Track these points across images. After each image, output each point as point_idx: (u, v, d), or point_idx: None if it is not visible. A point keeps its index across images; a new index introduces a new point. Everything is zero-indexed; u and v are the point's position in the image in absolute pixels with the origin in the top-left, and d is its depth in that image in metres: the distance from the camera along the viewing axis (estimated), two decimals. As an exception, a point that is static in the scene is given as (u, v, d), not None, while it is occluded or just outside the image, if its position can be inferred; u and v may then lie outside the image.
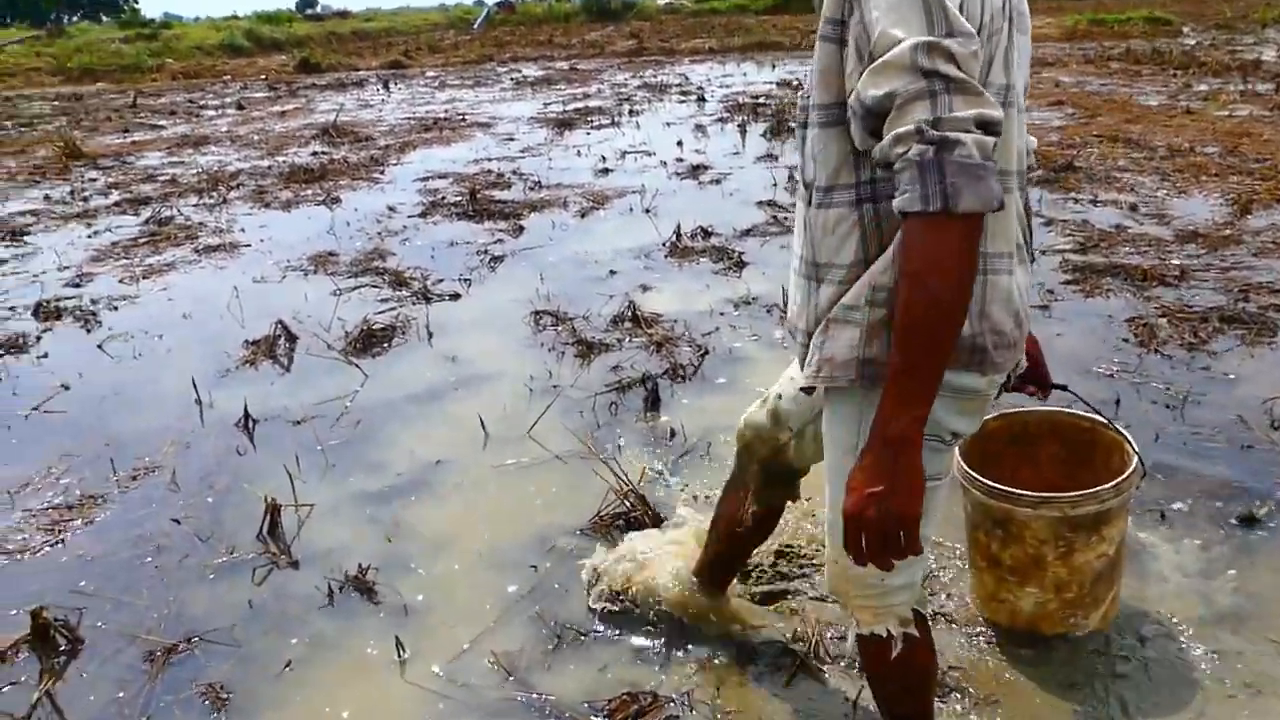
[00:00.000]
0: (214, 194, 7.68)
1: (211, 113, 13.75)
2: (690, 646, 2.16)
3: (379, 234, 6.15)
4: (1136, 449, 2.01)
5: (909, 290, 1.14)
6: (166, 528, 2.79)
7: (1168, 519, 2.61)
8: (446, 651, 2.21)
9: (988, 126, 1.12)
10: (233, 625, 2.32)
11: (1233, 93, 10.56)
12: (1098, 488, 1.94)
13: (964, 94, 1.11)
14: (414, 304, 4.76)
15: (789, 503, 1.99)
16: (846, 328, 1.32)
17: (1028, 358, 1.66)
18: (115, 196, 7.78)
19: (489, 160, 8.61)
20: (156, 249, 6.10)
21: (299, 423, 3.48)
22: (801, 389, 1.65)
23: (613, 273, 5.08)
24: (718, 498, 2.13)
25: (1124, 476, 1.95)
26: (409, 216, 6.60)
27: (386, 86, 16.07)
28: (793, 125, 9.71)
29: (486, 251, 5.61)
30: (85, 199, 7.77)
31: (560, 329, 4.28)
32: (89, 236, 6.50)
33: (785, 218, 6.02)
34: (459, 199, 7.00)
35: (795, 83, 12.98)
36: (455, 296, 4.85)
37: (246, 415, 3.47)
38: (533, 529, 2.72)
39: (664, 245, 5.50)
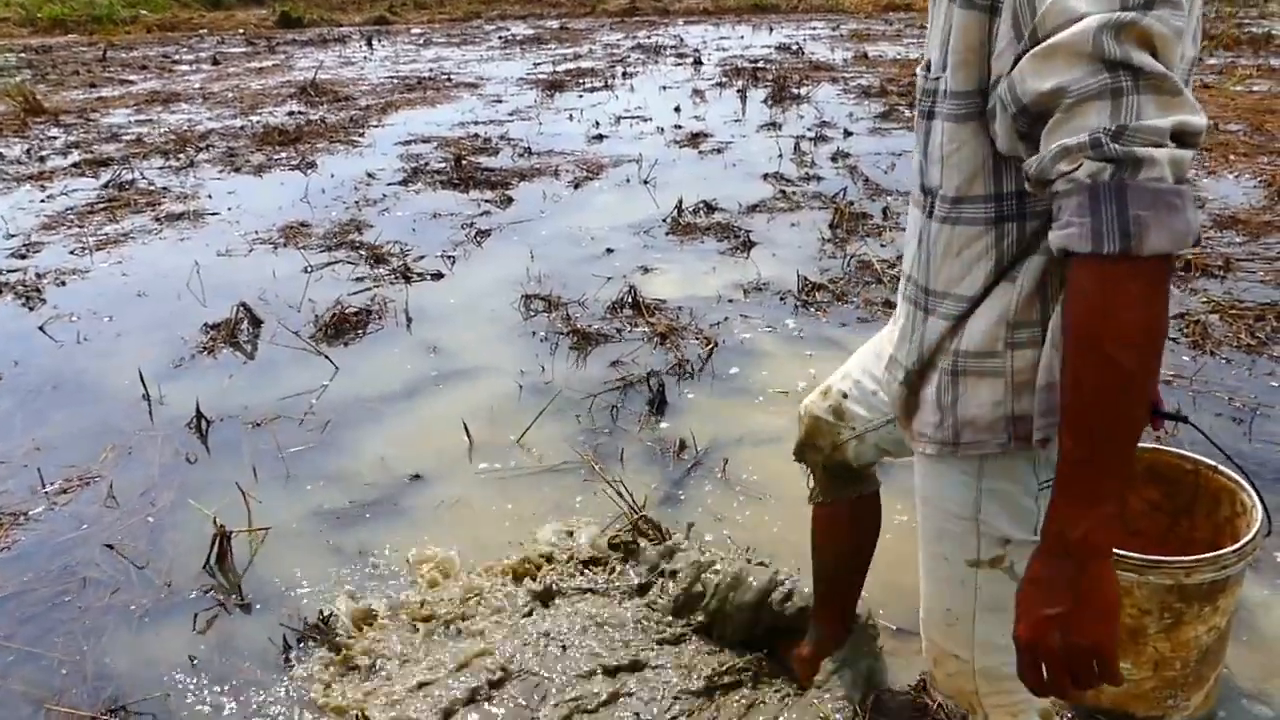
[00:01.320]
0: (181, 156, 7.20)
1: (185, 68, 13.14)
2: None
3: (356, 203, 5.71)
4: (1260, 497, 1.65)
5: (1079, 358, 0.89)
6: (97, 555, 2.40)
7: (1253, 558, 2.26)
8: (420, 725, 1.85)
9: (1187, 138, 0.85)
10: (167, 693, 1.94)
11: (1248, 67, 10.17)
12: (1219, 551, 1.59)
13: (1159, 93, 0.85)
14: (392, 284, 4.34)
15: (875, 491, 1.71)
16: (985, 380, 1.08)
17: None
18: (75, 157, 7.27)
19: (475, 124, 8.13)
20: (114, 216, 5.64)
21: (258, 425, 3.08)
22: (914, 445, 1.26)
23: (609, 251, 4.67)
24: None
25: (1250, 537, 1.61)
26: (389, 184, 6.16)
27: (370, 43, 15.44)
28: (798, 93, 9.36)
29: (472, 225, 5.19)
30: (42, 159, 7.26)
31: (553, 316, 3.89)
32: (42, 201, 6.02)
33: (793, 192, 5.62)
34: (443, 166, 6.55)
35: (795, 48, 12.48)
36: (438, 276, 4.44)
37: (199, 415, 3.07)
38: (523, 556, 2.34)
39: (664, 221, 5.10)
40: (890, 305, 3.90)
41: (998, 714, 1.29)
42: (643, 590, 2.13)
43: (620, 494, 2.41)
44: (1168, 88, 0.85)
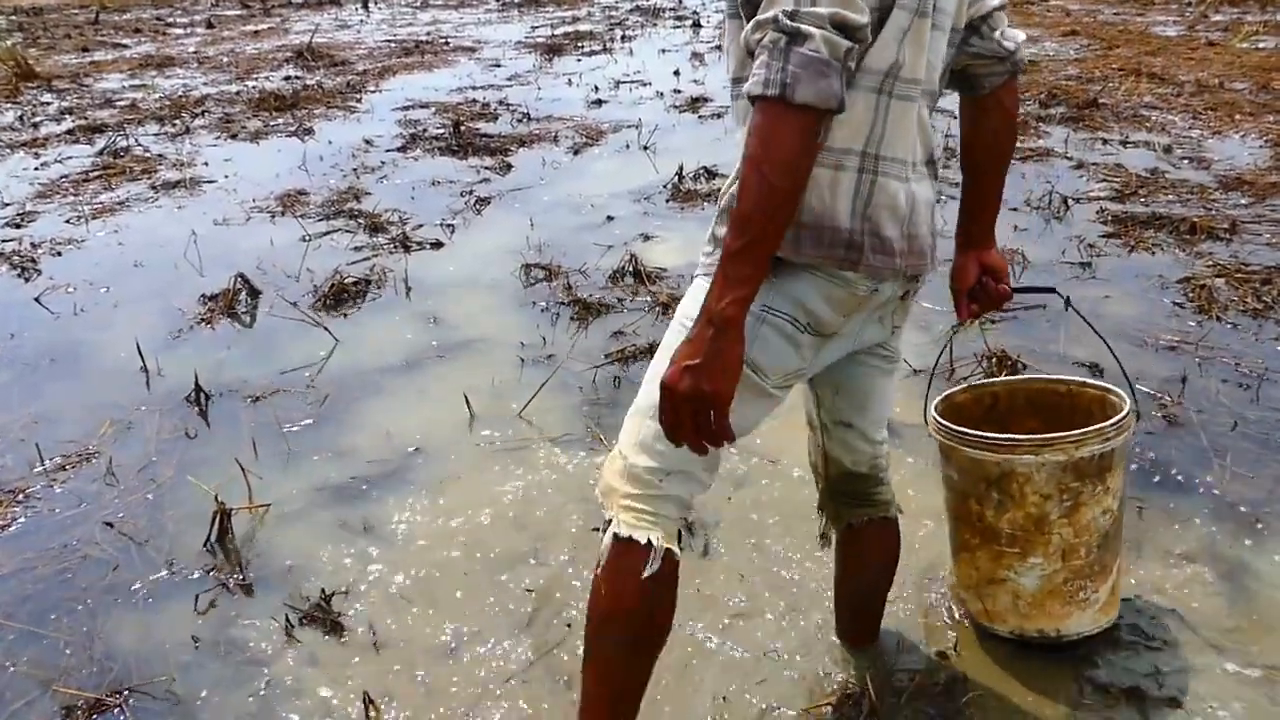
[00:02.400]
0: (176, 122, 7.11)
1: (179, 31, 12.96)
2: None
3: (354, 170, 5.64)
4: (1128, 378, 1.89)
5: (745, 174, 1.17)
6: (97, 533, 2.38)
7: (1262, 525, 2.25)
8: (425, 710, 1.84)
9: (845, 28, 1.15)
10: (172, 677, 1.92)
11: (1254, 24, 10.01)
12: (1100, 425, 1.72)
13: None
14: (391, 253, 4.29)
15: (885, 516, 1.75)
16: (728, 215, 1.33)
17: (988, 271, 1.72)
18: (68, 123, 7.19)
19: (474, 89, 8.02)
20: (109, 184, 5.57)
21: (258, 399, 3.05)
22: None
23: (610, 218, 4.62)
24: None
25: (1124, 413, 1.76)
26: (387, 151, 6.08)
27: (366, 6, 15.22)
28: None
29: (472, 192, 5.13)
30: (35, 125, 7.18)
31: (554, 285, 3.84)
32: (36, 169, 5.96)
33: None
34: (442, 132, 6.47)
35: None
36: (437, 245, 4.39)
37: (198, 389, 3.04)
38: (529, 534, 2.33)
39: (665, 188, 5.03)
40: (895, 274, 3.85)
41: (624, 514, 1.38)
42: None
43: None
44: None
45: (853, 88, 1.27)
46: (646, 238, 4.35)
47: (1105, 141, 5.70)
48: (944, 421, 1.80)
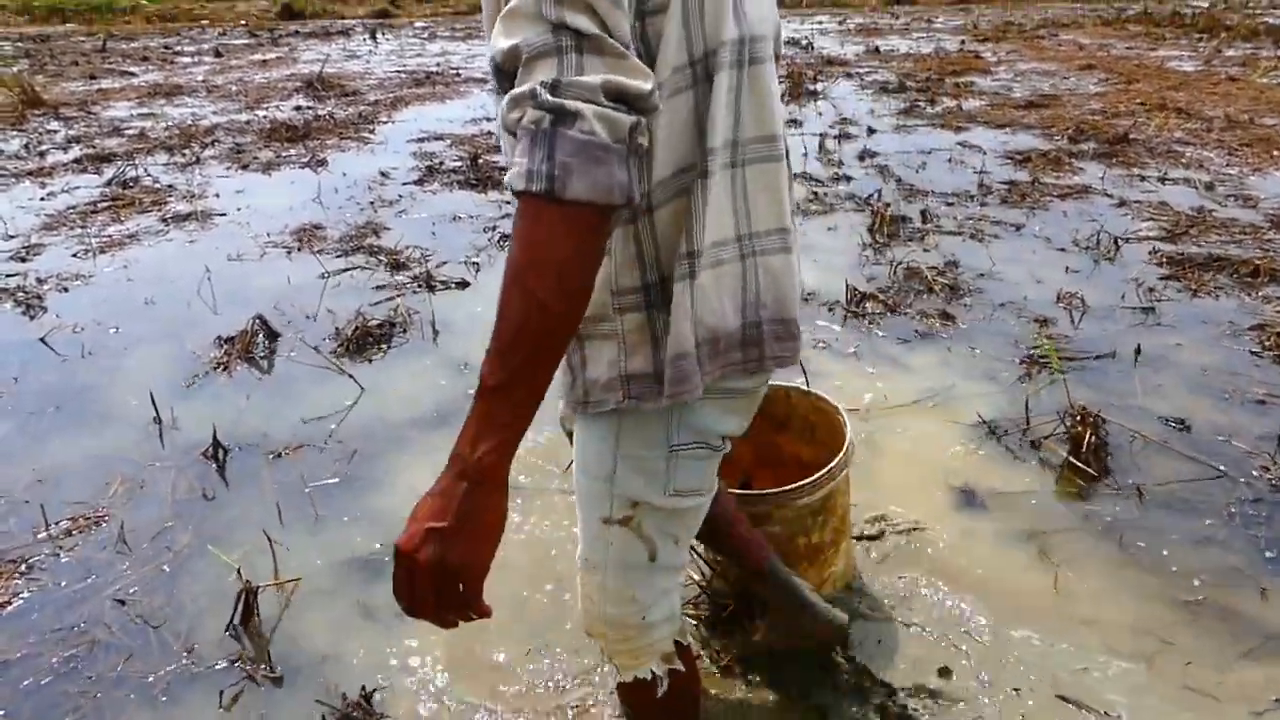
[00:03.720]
0: (186, 152, 6.93)
1: (187, 60, 12.85)
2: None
3: (371, 204, 5.45)
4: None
5: (506, 287, 0.94)
6: (108, 612, 2.15)
7: None
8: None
9: (625, 98, 0.93)
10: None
11: (1270, 59, 9.93)
12: (827, 469, 1.94)
13: (598, 54, 0.92)
14: (415, 292, 4.09)
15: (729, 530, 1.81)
16: (604, 344, 1.17)
17: None
18: (76, 152, 7.01)
19: (488, 120, 7.86)
20: (118, 216, 5.38)
21: (279, 455, 2.83)
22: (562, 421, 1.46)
23: (643, 257, 4.41)
24: None
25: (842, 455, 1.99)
26: (404, 184, 5.90)
27: (374, 36, 15.15)
28: (815, 90, 9.08)
29: (494, 228, 4.93)
30: (42, 154, 7.00)
31: (590, 329, 3.63)
32: (42, 199, 5.76)
33: (825, 193, 5.38)
34: (459, 164, 6.29)
35: (804, 42, 12.20)
36: (462, 284, 4.18)
37: (216, 444, 2.82)
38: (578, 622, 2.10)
39: (697, 225, 4.83)
40: (947, 316, 3.65)
41: (621, 658, 1.39)
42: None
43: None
44: (607, 49, 0.91)
45: (707, 175, 1.11)
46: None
47: (1143, 178, 5.53)
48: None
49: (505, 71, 0.95)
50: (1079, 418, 2.64)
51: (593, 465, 1.26)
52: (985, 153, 6.20)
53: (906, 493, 2.52)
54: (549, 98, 0.89)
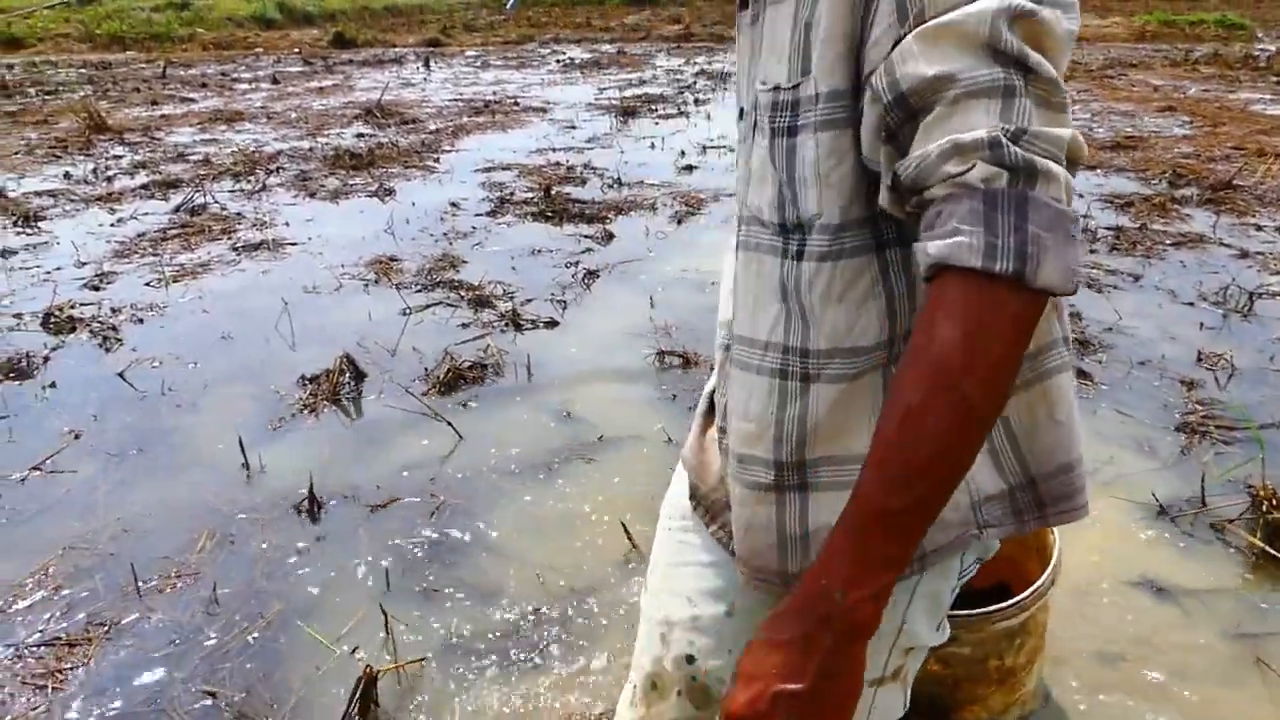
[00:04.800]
0: (252, 178, 6.85)
1: (245, 86, 12.93)
2: None
3: (446, 236, 5.29)
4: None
5: (928, 390, 0.71)
6: (198, 698, 1.93)
7: None
8: None
9: (1077, 162, 0.74)
10: None
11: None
12: (1033, 589, 1.66)
13: (1049, 105, 0.72)
14: (502, 331, 3.90)
15: None
16: None
17: None
18: (142, 178, 6.95)
19: (554, 150, 7.73)
20: (189, 244, 5.26)
21: (378, 508, 2.62)
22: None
23: (737, 299, 4.19)
24: None
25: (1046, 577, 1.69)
26: (476, 215, 5.74)
27: (427, 65, 15.20)
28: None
29: (577, 264, 4.74)
30: (109, 179, 6.95)
31: (694, 376, 3.41)
32: (112, 225, 5.67)
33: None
34: (531, 196, 6.14)
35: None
36: (551, 324, 3.98)
37: (312, 497, 2.62)
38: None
39: (789, 265, 4.61)
40: (1082, 373, 3.38)
41: None
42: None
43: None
44: (1057, 97, 0.73)
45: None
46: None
47: (1259, 228, 5.23)
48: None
49: (908, 104, 0.74)
50: (1272, 501, 2.35)
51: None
52: (1081, 195, 5.94)
53: (1077, 579, 2.25)
54: (1016, 150, 0.69)
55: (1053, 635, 2.03)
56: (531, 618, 2.17)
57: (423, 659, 2.00)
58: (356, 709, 1.84)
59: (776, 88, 0.87)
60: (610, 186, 6.41)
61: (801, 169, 0.86)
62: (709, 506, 1.10)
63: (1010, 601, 1.63)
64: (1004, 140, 0.70)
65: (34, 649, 2.06)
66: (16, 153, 8.00)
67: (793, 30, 0.85)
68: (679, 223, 5.50)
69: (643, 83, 12.31)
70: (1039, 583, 1.67)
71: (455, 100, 11.04)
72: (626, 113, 9.65)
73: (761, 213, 0.92)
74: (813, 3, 0.83)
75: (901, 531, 0.74)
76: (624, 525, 2.47)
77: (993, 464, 0.91)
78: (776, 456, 0.92)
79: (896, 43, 0.76)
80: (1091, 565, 2.30)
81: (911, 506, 0.73)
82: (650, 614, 1.12)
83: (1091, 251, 4.79)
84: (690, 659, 1.06)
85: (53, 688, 1.95)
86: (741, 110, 0.98)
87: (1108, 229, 5.17)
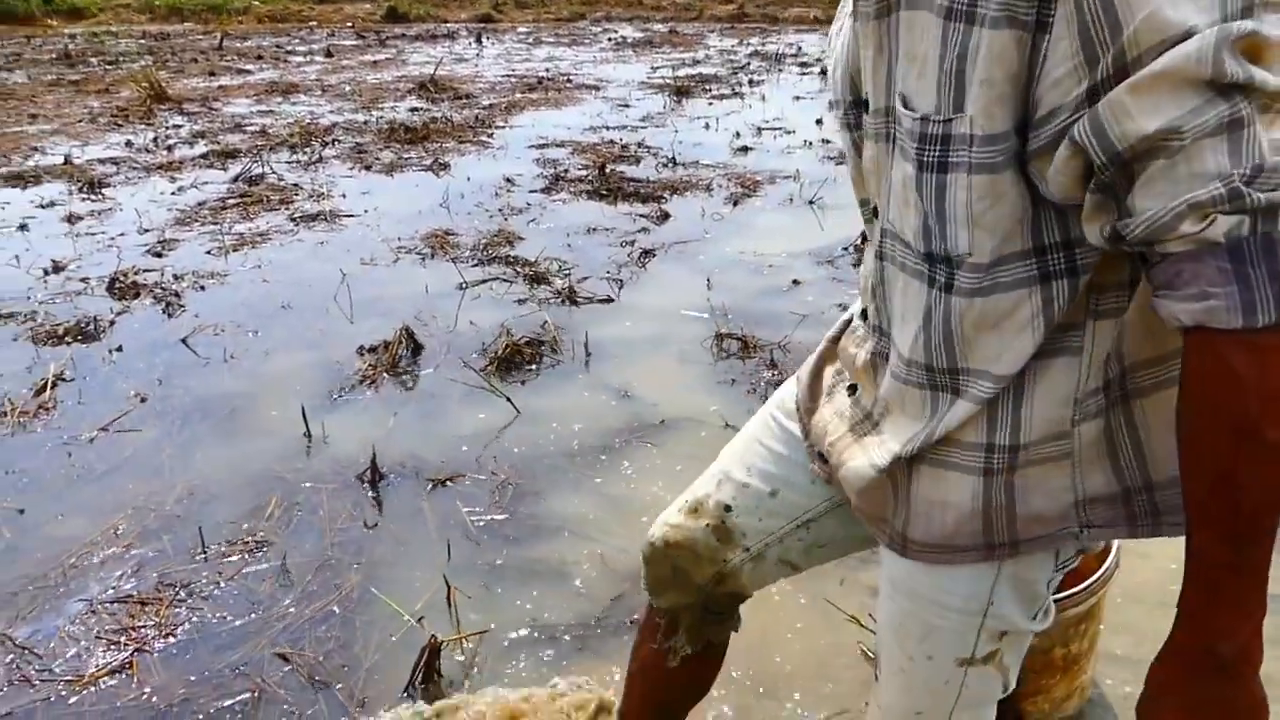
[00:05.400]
0: (308, 150, 6.90)
1: (299, 59, 13.04)
2: None
3: (501, 211, 5.29)
4: None
5: (1232, 452, 0.70)
6: (272, 660, 1.95)
7: None
8: None
9: None
10: None
11: None
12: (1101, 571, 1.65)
13: (1274, 116, 0.66)
14: (558, 307, 3.89)
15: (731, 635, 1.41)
16: (1054, 468, 0.89)
17: None
18: (201, 147, 7.04)
19: (607, 129, 7.70)
20: (247, 213, 5.32)
21: (440, 484, 2.63)
22: (900, 550, 1.02)
23: (796, 283, 4.15)
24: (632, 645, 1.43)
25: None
26: (531, 192, 5.73)
27: (479, 40, 15.21)
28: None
29: (633, 242, 4.72)
30: (169, 148, 7.05)
31: (753, 360, 3.38)
32: (173, 193, 5.75)
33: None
34: (585, 173, 6.11)
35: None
36: (607, 301, 3.97)
37: (374, 468, 2.63)
38: (796, 685, 1.84)
39: (848, 249, 4.55)
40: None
41: None
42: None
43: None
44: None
45: None
46: (844, 308, 3.86)
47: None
48: None
49: (1126, 160, 0.70)
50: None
51: (957, 598, 0.99)
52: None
53: (1146, 580, 2.19)
54: (1255, 195, 0.66)
55: (1114, 635, 1.98)
56: (591, 594, 2.17)
57: (484, 631, 2.01)
58: (420, 678, 1.84)
59: (925, 118, 0.81)
60: (665, 166, 6.36)
61: (952, 208, 0.83)
62: (810, 439, 1.13)
63: (1080, 587, 1.62)
64: (1242, 189, 0.66)
65: (108, 605, 2.10)
66: (81, 121, 8.15)
67: (942, 54, 0.79)
68: (735, 204, 5.44)
69: (696, 62, 12.20)
70: (1105, 566, 1.65)
71: (508, 76, 11.04)
72: (680, 92, 9.57)
73: (904, 234, 0.90)
74: (964, 31, 0.76)
75: (1256, 575, 0.76)
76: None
77: (1110, 465, 0.90)
78: (912, 447, 0.95)
79: (1094, 91, 0.71)
80: (1164, 565, 2.24)
81: (1256, 558, 0.75)
82: (720, 460, 1.28)
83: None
84: (728, 508, 1.22)
85: (126, 643, 1.98)
86: (865, 103, 0.92)
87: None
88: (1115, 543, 1.70)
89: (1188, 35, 0.66)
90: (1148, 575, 2.11)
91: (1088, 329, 0.86)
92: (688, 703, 1.44)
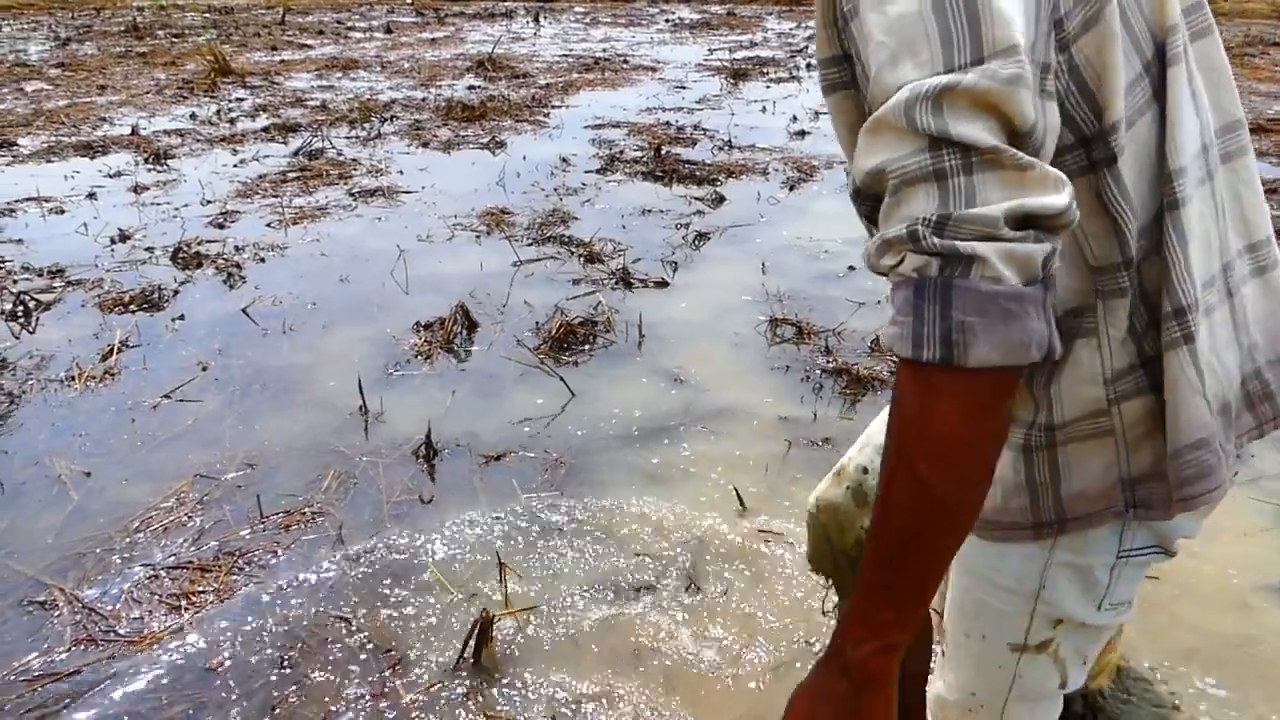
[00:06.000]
0: (367, 126, 6.96)
1: (359, 35, 13.15)
2: None
3: (556, 191, 5.29)
4: None
5: (888, 472, 0.75)
6: (329, 629, 1.98)
7: None
8: None
9: (1039, 221, 0.70)
10: None
11: None
12: None
13: (994, 169, 0.69)
14: (613, 289, 3.88)
15: None
16: (1095, 445, 0.90)
17: None
18: (263, 121, 7.13)
19: (663, 110, 7.65)
20: (307, 187, 5.38)
21: (493, 459, 2.65)
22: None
23: (851, 269, 4.09)
24: None
25: None
26: (586, 172, 5.72)
27: (537, 19, 15.20)
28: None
29: (688, 225, 4.68)
30: (232, 121, 7.16)
31: (807, 346, 3.34)
32: (235, 166, 5.84)
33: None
34: (640, 154, 6.08)
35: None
36: (661, 284, 3.94)
37: (429, 444, 2.66)
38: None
39: (906, 237, 4.46)
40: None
41: None
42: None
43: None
44: (1008, 162, 0.69)
45: (1180, 204, 0.85)
46: (902, 296, 3.80)
47: None
48: None
49: (867, 197, 0.77)
50: None
51: (1009, 578, 1.00)
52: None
53: (1200, 575, 2.13)
54: (936, 240, 0.69)
55: (1154, 627, 1.93)
56: (642, 574, 2.16)
57: (535, 606, 2.02)
58: (472, 650, 1.86)
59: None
60: (720, 149, 6.31)
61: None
62: None
63: None
64: (921, 231, 0.70)
65: (170, 570, 2.15)
66: (147, 93, 8.31)
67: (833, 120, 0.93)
68: (791, 189, 5.38)
69: (753, 45, 12.07)
70: None
71: (565, 56, 11.02)
72: (737, 75, 9.47)
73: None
74: (831, 101, 0.91)
75: (892, 601, 0.78)
76: (738, 493, 2.43)
77: (1150, 444, 0.90)
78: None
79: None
80: (1222, 562, 2.17)
81: (894, 582, 0.77)
82: (870, 425, 1.37)
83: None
84: (865, 470, 1.30)
85: (186, 608, 2.03)
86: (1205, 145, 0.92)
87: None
88: None
89: (898, 88, 0.71)
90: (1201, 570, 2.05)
91: (1098, 310, 0.88)
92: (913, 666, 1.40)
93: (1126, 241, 0.84)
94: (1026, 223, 0.71)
